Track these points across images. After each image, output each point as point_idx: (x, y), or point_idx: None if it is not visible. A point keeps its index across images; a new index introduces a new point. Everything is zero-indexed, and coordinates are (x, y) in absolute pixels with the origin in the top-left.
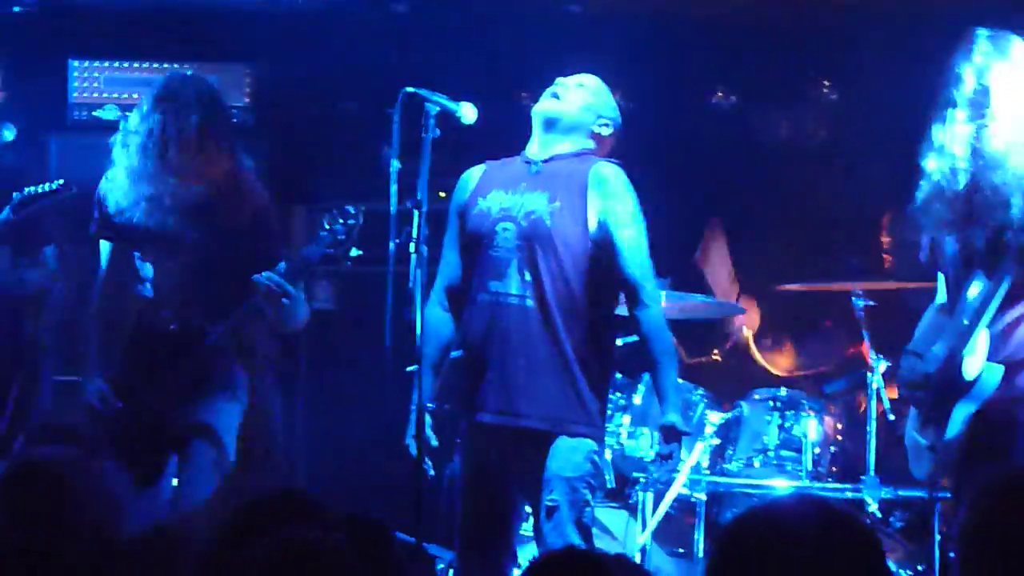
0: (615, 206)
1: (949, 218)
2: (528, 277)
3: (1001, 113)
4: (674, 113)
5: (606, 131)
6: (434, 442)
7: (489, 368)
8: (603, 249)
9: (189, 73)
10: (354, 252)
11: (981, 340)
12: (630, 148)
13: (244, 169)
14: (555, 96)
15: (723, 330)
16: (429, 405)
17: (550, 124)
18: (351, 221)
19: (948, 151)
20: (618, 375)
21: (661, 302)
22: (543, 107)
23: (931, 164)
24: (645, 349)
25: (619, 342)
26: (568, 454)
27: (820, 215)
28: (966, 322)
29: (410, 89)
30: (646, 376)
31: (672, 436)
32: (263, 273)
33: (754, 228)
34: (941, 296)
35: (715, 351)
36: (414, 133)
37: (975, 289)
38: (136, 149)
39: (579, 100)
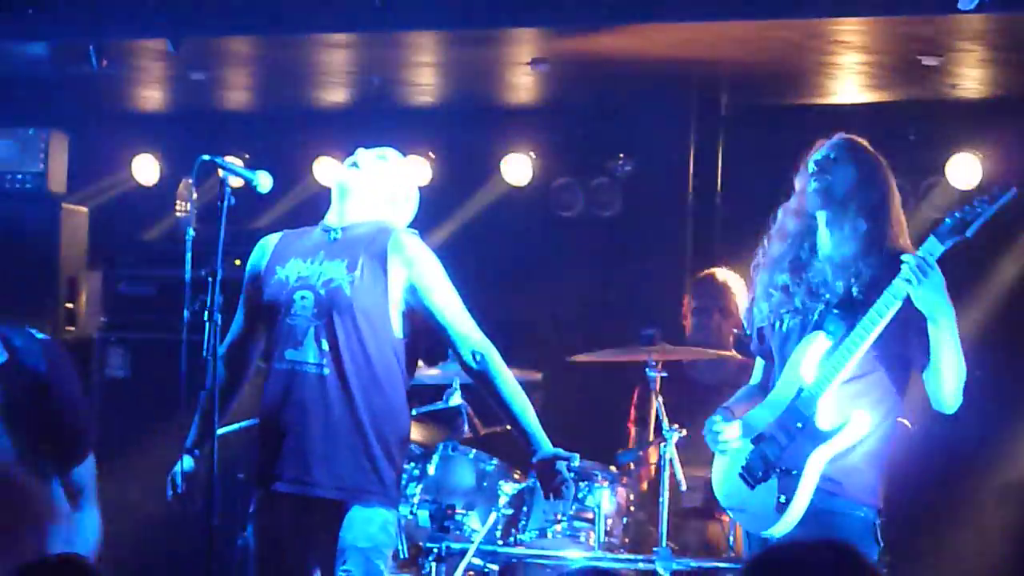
0: (421, 271)
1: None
2: (326, 346)
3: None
4: (473, 184)
5: (405, 202)
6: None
7: (285, 437)
8: (412, 316)
9: None
10: None
11: (831, 393)
12: (429, 219)
13: None
14: (355, 166)
15: None
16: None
17: (349, 194)
18: None
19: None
20: (413, 445)
21: (493, 349)
22: (342, 177)
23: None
24: (495, 397)
25: (414, 411)
26: (363, 524)
27: (615, 285)
28: (819, 375)
29: (206, 157)
30: (440, 446)
31: (553, 468)
32: None
33: (538, 300)
34: (756, 377)
35: None
36: (211, 201)
37: (819, 346)
38: None
39: (378, 171)
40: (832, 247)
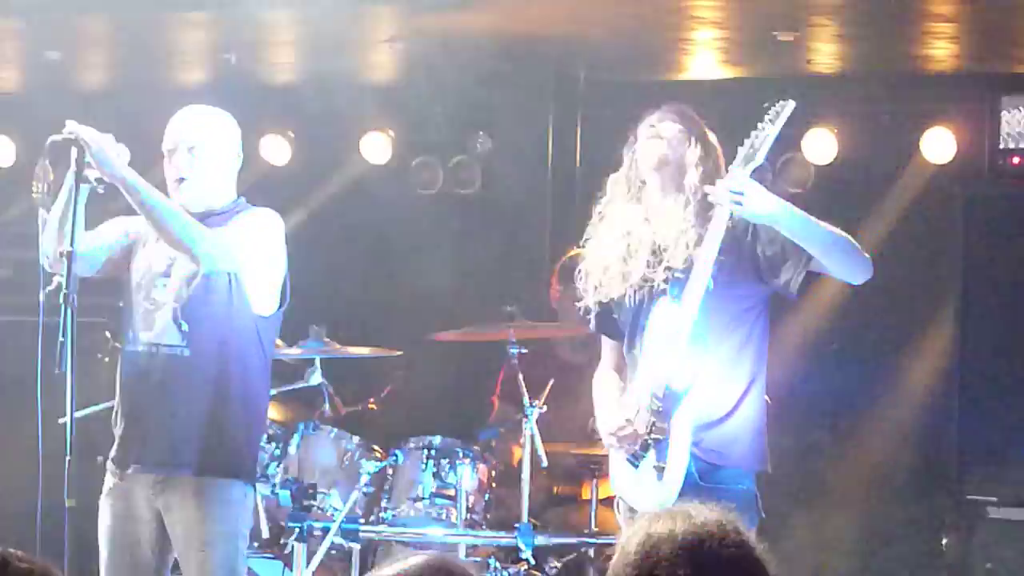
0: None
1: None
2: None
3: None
4: (333, 162)
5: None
6: None
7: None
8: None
9: None
10: None
11: (685, 355)
12: (289, 198)
13: None
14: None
15: (380, 378)
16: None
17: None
18: None
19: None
20: (273, 424)
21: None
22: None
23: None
24: None
25: (274, 391)
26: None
27: (476, 263)
28: (670, 340)
29: (58, 137)
30: (300, 425)
31: None
32: None
33: (413, 277)
34: (609, 362)
35: (371, 400)
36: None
37: (667, 312)
38: None
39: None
40: (664, 214)
